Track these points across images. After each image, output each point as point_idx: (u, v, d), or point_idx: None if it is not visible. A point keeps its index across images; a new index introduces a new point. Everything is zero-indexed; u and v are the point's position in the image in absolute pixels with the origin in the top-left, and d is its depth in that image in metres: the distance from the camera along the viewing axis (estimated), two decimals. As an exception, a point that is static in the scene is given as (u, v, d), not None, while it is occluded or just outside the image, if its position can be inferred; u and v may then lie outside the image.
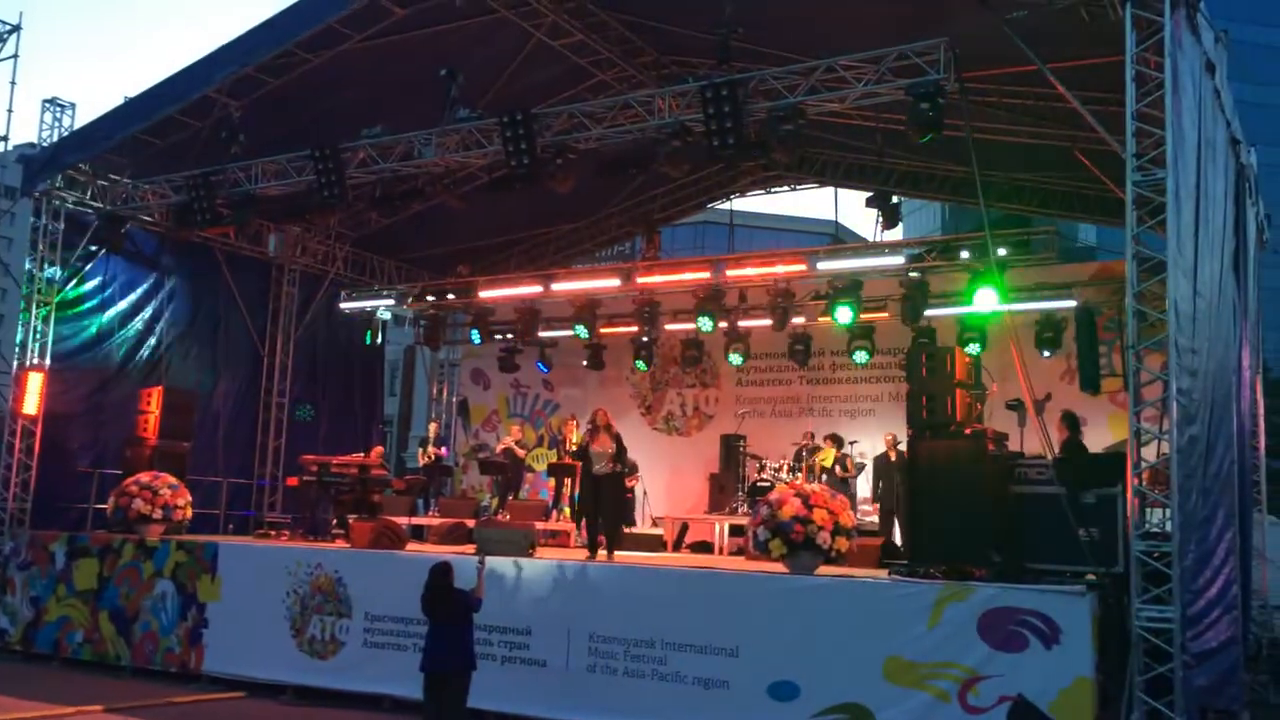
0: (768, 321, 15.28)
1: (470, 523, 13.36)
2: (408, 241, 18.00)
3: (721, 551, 13.87)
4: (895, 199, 12.85)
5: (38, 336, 14.13)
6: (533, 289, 16.54)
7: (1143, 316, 8.23)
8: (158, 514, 12.55)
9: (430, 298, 17.46)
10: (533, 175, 11.13)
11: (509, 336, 17.40)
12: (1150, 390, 8.26)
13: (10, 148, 15.95)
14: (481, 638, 9.01)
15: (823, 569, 9.15)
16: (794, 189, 18.39)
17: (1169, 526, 7.87)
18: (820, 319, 15.21)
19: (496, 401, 19.39)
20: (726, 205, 19.92)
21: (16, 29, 15.36)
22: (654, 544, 13.98)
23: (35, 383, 13.90)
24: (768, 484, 13.98)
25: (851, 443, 14.75)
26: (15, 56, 15.23)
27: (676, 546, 14.60)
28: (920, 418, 9.55)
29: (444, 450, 17.64)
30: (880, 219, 13.20)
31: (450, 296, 17.34)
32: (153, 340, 15.56)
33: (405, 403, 33.62)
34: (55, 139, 14.50)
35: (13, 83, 15.30)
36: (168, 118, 13.11)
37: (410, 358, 31.44)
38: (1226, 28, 9.93)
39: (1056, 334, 14.34)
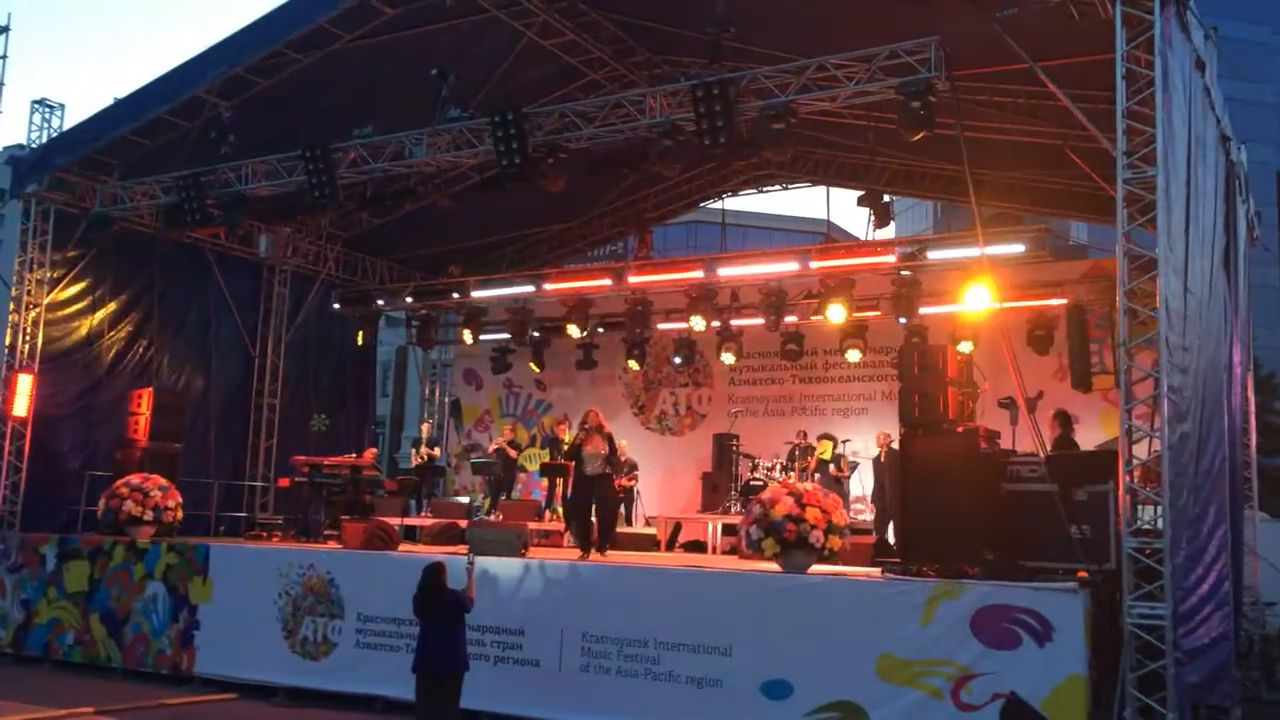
0: (760, 320, 15.30)
1: (463, 523, 13.34)
2: (399, 242, 17.95)
3: (714, 551, 13.84)
4: (887, 197, 12.87)
5: (27, 338, 14.08)
6: (525, 289, 16.54)
7: (1134, 314, 8.24)
8: (149, 516, 12.53)
9: (422, 298, 17.44)
10: (524, 175, 11.12)
11: (502, 336, 17.36)
12: (1142, 388, 8.29)
13: (-1, 149, 15.94)
14: (474, 638, 9.01)
15: (815, 568, 9.14)
16: (786, 188, 18.38)
17: (1161, 523, 7.89)
18: (813, 317, 15.19)
19: (489, 401, 19.35)
20: (718, 204, 19.89)
21: (5, 30, 15.35)
22: (647, 544, 13.96)
23: (25, 384, 13.84)
24: (760, 483, 13.96)
25: (844, 441, 14.76)
26: (4, 57, 15.31)
27: (670, 546, 14.56)
28: (912, 416, 9.53)
29: (436, 451, 17.60)
30: (872, 217, 13.25)
31: (451, 296, 17.30)
32: (143, 341, 15.50)
33: (398, 403, 33.61)
34: (44, 140, 14.42)
35: (1, 84, 15.27)
36: (157, 118, 13.09)
37: (402, 358, 31.46)
38: (1216, 25, 9.93)
39: (1048, 332, 14.37)
